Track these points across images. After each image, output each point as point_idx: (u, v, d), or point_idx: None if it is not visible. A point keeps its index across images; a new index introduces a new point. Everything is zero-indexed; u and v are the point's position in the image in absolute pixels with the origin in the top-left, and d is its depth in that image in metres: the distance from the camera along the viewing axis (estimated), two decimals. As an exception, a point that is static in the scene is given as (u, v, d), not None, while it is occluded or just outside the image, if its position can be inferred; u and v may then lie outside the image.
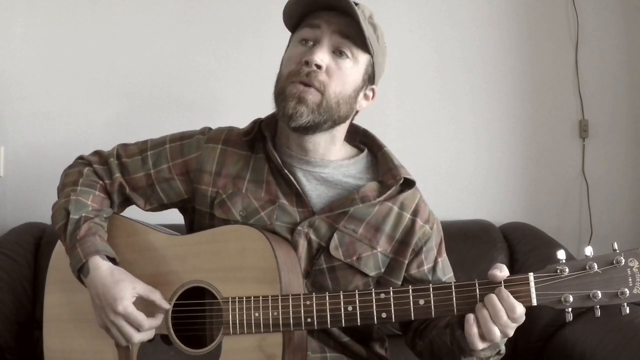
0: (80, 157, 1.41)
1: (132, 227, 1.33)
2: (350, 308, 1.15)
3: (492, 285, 1.09)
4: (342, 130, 1.33)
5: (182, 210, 1.42)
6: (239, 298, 1.18)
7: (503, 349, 1.18)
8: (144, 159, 1.36)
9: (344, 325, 1.16)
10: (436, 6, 2.40)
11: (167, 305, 1.22)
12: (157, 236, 1.30)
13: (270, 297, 1.17)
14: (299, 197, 1.28)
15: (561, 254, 1.08)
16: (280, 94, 1.24)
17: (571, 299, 1.06)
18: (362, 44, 1.23)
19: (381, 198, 1.29)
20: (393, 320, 1.15)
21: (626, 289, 1.05)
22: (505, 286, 1.08)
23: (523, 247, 2.11)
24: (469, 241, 2.10)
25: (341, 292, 1.16)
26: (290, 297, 1.16)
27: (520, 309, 1.07)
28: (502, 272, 1.09)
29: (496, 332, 1.07)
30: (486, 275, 1.11)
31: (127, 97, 2.30)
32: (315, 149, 1.30)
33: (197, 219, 1.35)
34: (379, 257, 1.29)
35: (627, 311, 1.06)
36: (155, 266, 1.27)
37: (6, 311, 1.87)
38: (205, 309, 1.25)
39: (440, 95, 2.39)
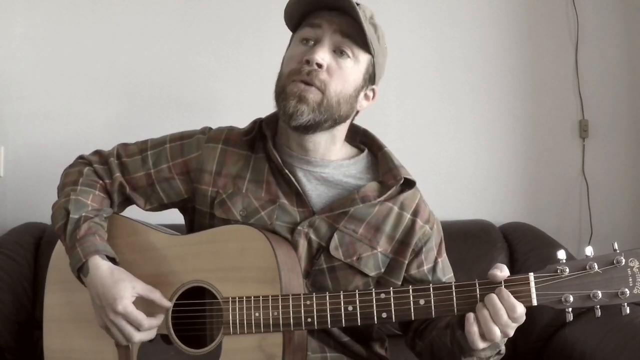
0: (81, 157, 1.41)
1: (132, 227, 1.33)
2: (350, 308, 1.15)
3: (492, 285, 1.09)
4: (342, 130, 1.33)
5: (182, 210, 1.42)
6: (239, 298, 1.18)
7: (503, 349, 1.18)
8: (144, 159, 1.36)
9: (344, 325, 1.15)
10: (436, 6, 2.40)
11: (168, 304, 1.22)
12: (157, 236, 1.30)
13: (270, 297, 1.17)
14: (299, 196, 1.28)
15: (561, 254, 1.08)
16: (281, 93, 1.24)
17: (571, 299, 1.06)
18: (363, 43, 1.23)
19: (381, 198, 1.29)
20: (393, 320, 1.15)
21: (626, 289, 1.05)
22: (505, 286, 1.08)
23: (523, 247, 2.11)
24: (469, 241, 2.10)
25: (341, 292, 1.16)
26: (291, 297, 1.16)
27: (520, 309, 1.07)
28: (502, 272, 1.09)
29: (496, 331, 1.06)
30: (486, 275, 1.11)
31: (127, 97, 2.30)
32: (316, 149, 1.30)
33: (197, 218, 1.35)
34: (379, 257, 1.29)
35: (628, 311, 1.06)
36: (156, 266, 1.27)
37: (6, 311, 1.87)
38: (205, 309, 1.25)
39: (440, 95, 2.39)
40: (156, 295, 1.21)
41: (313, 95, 1.21)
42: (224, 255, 1.22)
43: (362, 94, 1.30)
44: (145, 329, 1.19)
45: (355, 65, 1.25)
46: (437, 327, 1.25)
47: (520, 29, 2.42)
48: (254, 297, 1.17)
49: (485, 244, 2.11)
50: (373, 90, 1.33)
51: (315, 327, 1.17)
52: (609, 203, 2.42)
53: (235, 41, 2.33)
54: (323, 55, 1.21)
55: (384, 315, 1.13)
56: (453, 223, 2.14)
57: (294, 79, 1.22)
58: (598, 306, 1.06)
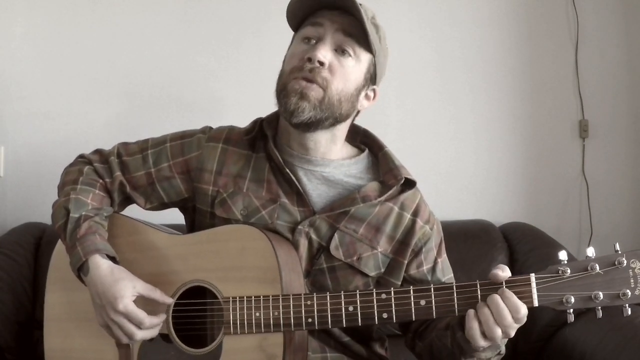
0: (81, 156, 1.41)
1: (132, 226, 1.33)
2: (351, 308, 1.14)
3: (493, 286, 1.09)
4: (343, 129, 1.32)
5: (182, 210, 1.42)
6: (239, 298, 1.18)
7: (503, 349, 1.18)
8: (145, 158, 1.36)
9: (344, 326, 1.15)
10: (436, 6, 2.40)
11: (170, 300, 1.22)
12: (158, 235, 1.30)
13: (271, 297, 1.16)
14: (299, 196, 1.28)
15: (563, 255, 1.08)
16: (282, 90, 1.24)
17: (573, 300, 1.06)
18: (365, 42, 1.24)
19: (382, 198, 1.29)
20: (394, 321, 1.15)
21: (628, 290, 1.05)
22: (506, 287, 1.08)
23: (523, 247, 2.11)
24: (469, 241, 2.10)
25: (342, 292, 1.16)
26: (291, 297, 1.16)
27: (524, 310, 1.07)
28: (504, 272, 1.09)
29: (498, 332, 1.06)
30: (486, 275, 1.11)
31: (127, 97, 2.30)
32: (316, 148, 1.30)
33: (198, 218, 1.35)
34: (379, 257, 1.29)
35: (629, 312, 1.05)
36: (156, 265, 1.27)
37: (6, 311, 1.87)
38: (205, 309, 1.25)
39: (440, 95, 2.39)
40: (157, 294, 1.21)
41: (314, 92, 1.21)
42: (225, 255, 1.22)
43: (363, 94, 1.30)
44: (147, 327, 1.19)
45: (356, 64, 1.25)
46: (437, 328, 1.25)
47: (520, 29, 2.42)
48: (254, 297, 1.17)
49: (485, 244, 2.11)
50: (374, 90, 1.33)
51: (316, 327, 1.16)
52: (609, 203, 2.42)
53: (235, 41, 2.33)
54: (325, 53, 1.22)
55: (385, 315, 1.13)
56: (453, 223, 2.14)
57: (295, 76, 1.22)
58: (599, 307, 1.06)
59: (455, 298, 1.11)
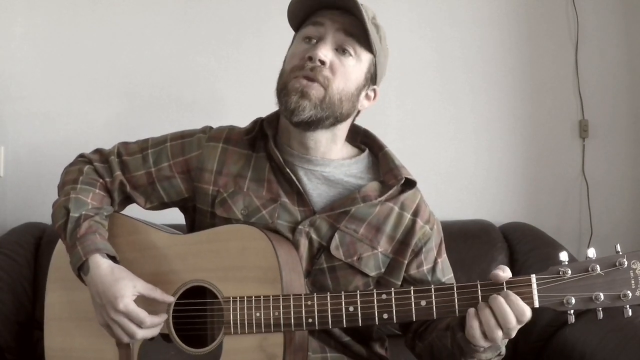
0: (81, 155, 1.41)
1: (133, 226, 1.33)
2: (351, 309, 1.14)
3: (494, 287, 1.09)
4: (343, 129, 1.32)
5: (182, 210, 1.42)
6: (239, 298, 1.18)
7: (504, 350, 1.18)
8: (145, 157, 1.36)
9: (345, 326, 1.15)
10: (436, 6, 2.40)
11: (171, 298, 1.22)
12: (158, 235, 1.30)
13: (271, 297, 1.16)
14: (300, 196, 1.28)
15: (564, 256, 1.08)
16: (283, 89, 1.24)
17: (573, 301, 1.06)
18: (366, 42, 1.24)
19: (382, 198, 1.29)
20: (394, 321, 1.15)
21: (629, 291, 1.04)
22: (507, 287, 1.08)
23: (523, 247, 2.11)
24: (469, 241, 2.10)
25: (343, 292, 1.16)
26: (292, 297, 1.16)
27: (529, 313, 1.06)
28: (504, 272, 1.09)
29: (499, 333, 1.06)
30: (486, 275, 1.11)
31: (127, 97, 2.30)
32: (317, 147, 1.30)
33: (199, 218, 1.35)
34: (380, 257, 1.29)
35: (630, 313, 1.05)
36: (156, 265, 1.27)
37: (6, 311, 1.87)
38: (206, 309, 1.25)
39: (440, 95, 2.39)
40: (157, 294, 1.21)
41: (315, 91, 1.21)
42: (225, 255, 1.22)
43: (363, 93, 1.30)
44: (148, 326, 1.19)
45: (357, 64, 1.25)
46: (437, 328, 1.25)
47: (520, 29, 2.42)
48: (254, 297, 1.17)
49: (485, 244, 2.11)
50: (374, 90, 1.33)
51: (316, 328, 1.16)
52: (609, 203, 2.42)
53: (235, 41, 2.33)
54: (326, 52, 1.22)
55: (385, 316, 1.13)
56: (453, 223, 2.14)
57: (296, 74, 1.22)
58: (600, 308, 1.06)
59: (456, 299, 1.11)
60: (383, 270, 1.30)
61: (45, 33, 2.27)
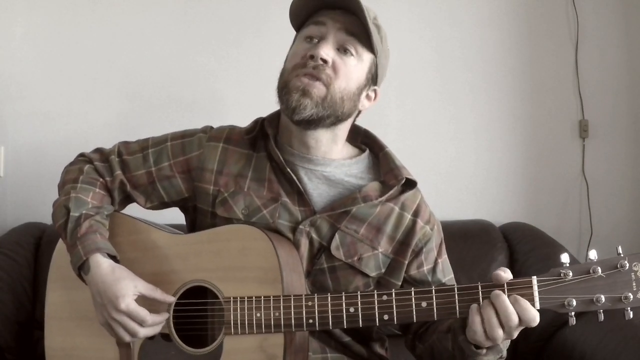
0: (81, 155, 1.41)
1: (133, 225, 1.33)
2: (352, 309, 1.14)
3: (495, 288, 1.08)
4: (344, 129, 1.33)
5: (183, 210, 1.42)
6: (240, 298, 1.18)
7: (505, 353, 1.17)
8: (145, 157, 1.36)
9: (345, 327, 1.15)
10: (436, 6, 2.40)
11: (171, 298, 1.22)
12: (159, 235, 1.30)
13: (272, 298, 1.16)
14: (300, 195, 1.28)
15: (565, 258, 1.07)
16: (284, 88, 1.24)
17: (574, 303, 1.05)
18: (367, 42, 1.24)
19: (383, 198, 1.29)
20: (395, 322, 1.14)
21: (630, 294, 1.04)
22: (508, 289, 1.08)
23: (523, 247, 2.11)
24: (469, 241, 2.10)
25: (343, 293, 1.16)
26: (292, 298, 1.16)
27: (538, 318, 1.06)
28: (505, 273, 1.09)
29: (500, 332, 1.06)
30: (487, 275, 1.11)
31: (127, 97, 2.30)
32: (317, 146, 1.30)
33: (199, 217, 1.35)
34: (380, 257, 1.29)
35: (631, 316, 1.05)
36: (157, 265, 1.27)
37: (6, 311, 1.87)
38: (206, 309, 1.25)
39: (440, 95, 2.39)
40: (157, 294, 1.21)
41: (317, 89, 1.21)
42: (226, 255, 1.22)
43: (364, 93, 1.30)
44: (149, 324, 1.19)
45: (358, 64, 1.26)
46: (437, 330, 1.24)
47: (520, 29, 2.42)
48: (255, 297, 1.17)
49: (485, 244, 2.11)
50: (375, 90, 1.33)
51: (317, 328, 1.16)
52: (609, 203, 2.42)
53: (235, 41, 2.33)
54: (327, 51, 1.22)
55: (386, 317, 1.13)
56: (453, 223, 2.14)
57: (297, 73, 1.23)
58: (601, 310, 1.06)
59: (457, 300, 1.10)
60: (383, 270, 1.30)
61: (45, 33, 2.27)
